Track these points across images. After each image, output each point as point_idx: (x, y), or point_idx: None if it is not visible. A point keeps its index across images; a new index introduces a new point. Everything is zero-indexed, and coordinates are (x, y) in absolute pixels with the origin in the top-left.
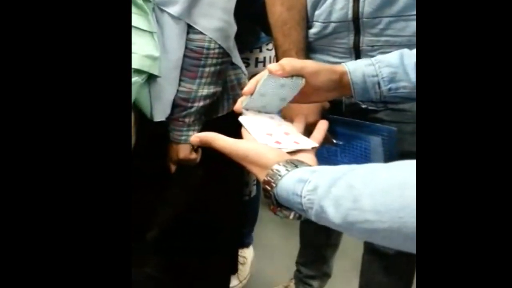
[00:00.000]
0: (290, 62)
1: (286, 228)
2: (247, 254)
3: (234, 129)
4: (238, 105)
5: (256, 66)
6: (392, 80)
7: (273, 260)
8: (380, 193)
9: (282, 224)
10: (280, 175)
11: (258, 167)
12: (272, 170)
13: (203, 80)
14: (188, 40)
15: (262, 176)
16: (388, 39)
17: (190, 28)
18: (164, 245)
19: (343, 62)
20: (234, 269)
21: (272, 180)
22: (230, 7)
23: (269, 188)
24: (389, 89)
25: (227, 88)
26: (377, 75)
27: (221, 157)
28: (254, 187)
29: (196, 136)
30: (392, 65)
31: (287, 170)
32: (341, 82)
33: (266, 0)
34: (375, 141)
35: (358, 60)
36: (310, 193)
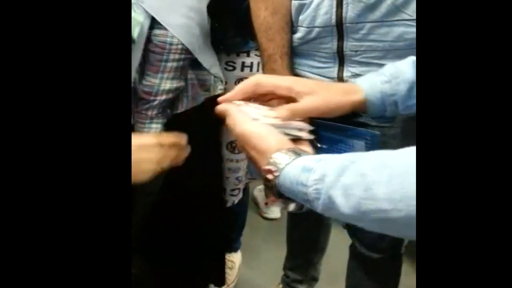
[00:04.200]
0: (293, 108)
1: (274, 233)
2: (235, 259)
3: (193, 126)
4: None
5: (242, 70)
6: (409, 97)
7: (261, 264)
8: (394, 180)
9: (270, 229)
10: (283, 164)
11: (258, 153)
12: (273, 158)
13: (165, 75)
14: (153, 35)
15: (262, 164)
16: (371, 44)
17: (156, 24)
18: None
19: (327, 66)
20: (220, 281)
21: (275, 169)
22: (198, 6)
23: (271, 177)
24: (406, 107)
25: (187, 85)
26: (395, 94)
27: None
28: (233, 197)
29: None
30: (409, 80)
31: (290, 158)
32: (354, 103)
33: (251, 5)
34: (359, 145)
35: (371, 75)
36: (316, 182)
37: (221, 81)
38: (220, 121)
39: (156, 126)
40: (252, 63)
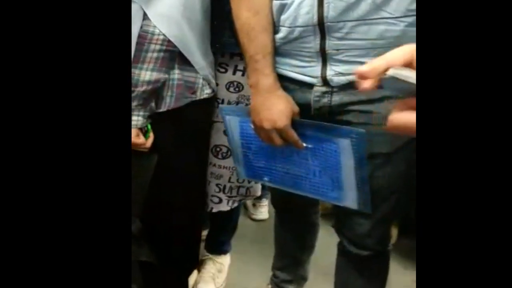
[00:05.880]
0: None
1: (262, 234)
2: (224, 261)
3: (176, 126)
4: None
5: (234, 73)
6: None
7: (250, 266)
8: None
9: (258, 230)
10: None
11: None
12: None
13: (145, 65)
14: (142, 26)
15: None
16: (352, 43)
17: (146, 15)
18: None
19: (310, 65)
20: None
21: None
22: (190, 3)
23: None
24: None
25: (173, 85)
26: None
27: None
28: (212, 204)
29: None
30: None
31: None
32: None
33: (232, 5)
34: (345, 144)
35: None
36: None
37: (209, 85)
38: (209, 123)
39: (137, 118)
40: (245, 67)
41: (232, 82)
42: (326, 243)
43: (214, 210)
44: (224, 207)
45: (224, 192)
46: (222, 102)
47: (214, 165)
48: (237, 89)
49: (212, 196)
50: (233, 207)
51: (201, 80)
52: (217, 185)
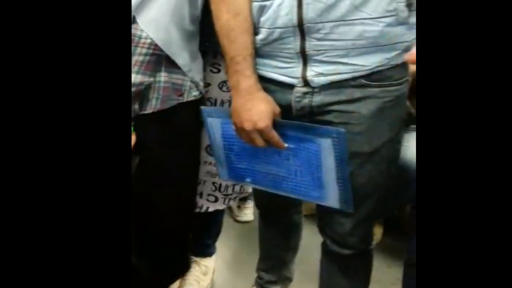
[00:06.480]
0: None
1: (247, 236)
2: (209, 264)
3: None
4: None
5: (227, 73)
6: None
7: (235, 268)
8: None
9: (243, 232)
10: None
11: None
12: None
13: None
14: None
15: None
16: (332, 43)
17: (134, 18)
18: None
19: (291, 66)
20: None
21: None
22: (179, 8)
23: None
24: None
25: (160, 88)
26: None
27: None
28: (209, 203)
29: None
30: None
31: None
32: None
33: (212, 7)
34: (326, 143)
35: None
36: None
37: (197, 87)
38: (199, 124)
39: None
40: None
41: (225, 82)
42: (311, 243)
43: (210, 209)
44: (220, 205)
45: (220, 191)
46: (215, 101)
47: (210, 163)
48: (229, 88)
49: (208, 195)
50: (228, 205)
51: (188, 83)
52: (213, 183)
